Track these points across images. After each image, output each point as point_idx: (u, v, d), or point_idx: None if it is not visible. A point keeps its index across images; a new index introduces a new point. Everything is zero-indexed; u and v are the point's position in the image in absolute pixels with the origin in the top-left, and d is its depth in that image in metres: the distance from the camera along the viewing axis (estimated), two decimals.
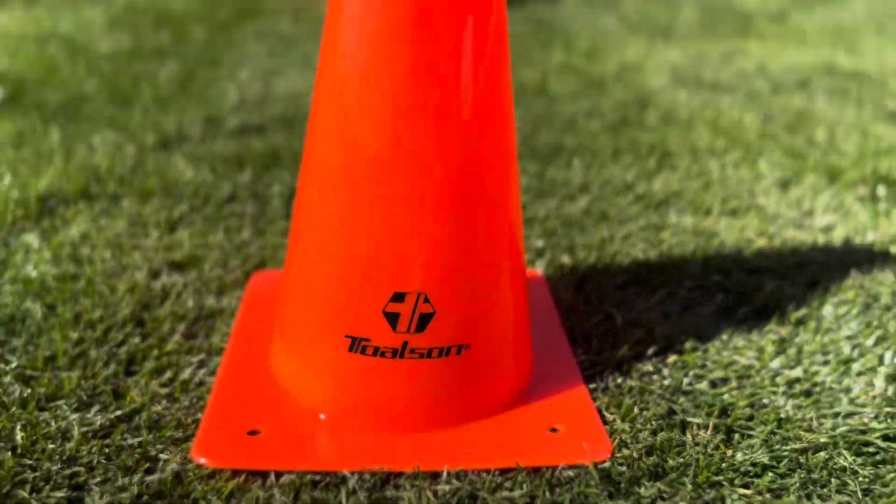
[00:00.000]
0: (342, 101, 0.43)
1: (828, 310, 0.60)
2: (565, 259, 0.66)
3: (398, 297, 0.44)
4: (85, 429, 0.47)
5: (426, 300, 0.45)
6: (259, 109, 1.02)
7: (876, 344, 0.57)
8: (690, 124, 0.97)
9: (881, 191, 0.81)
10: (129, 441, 0.46)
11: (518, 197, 0.50)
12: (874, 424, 0.49)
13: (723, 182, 0.81)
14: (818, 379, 0.53)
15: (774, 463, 0.46)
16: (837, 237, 0.70)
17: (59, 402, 0.49)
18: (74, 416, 0.48)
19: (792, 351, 0.55)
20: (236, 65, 1.22)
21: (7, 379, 0.51)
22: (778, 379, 0.53)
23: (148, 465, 0.44)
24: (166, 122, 0.97)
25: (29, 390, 0.50)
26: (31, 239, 0.68)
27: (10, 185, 0.78)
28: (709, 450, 0.46)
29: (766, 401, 0.51)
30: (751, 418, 0.49)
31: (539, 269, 0.65)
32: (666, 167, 0.84)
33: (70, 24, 1.49)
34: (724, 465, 0.45)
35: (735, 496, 0.43)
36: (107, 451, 0.45)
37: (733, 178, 0.81)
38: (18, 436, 0.46)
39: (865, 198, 0.80)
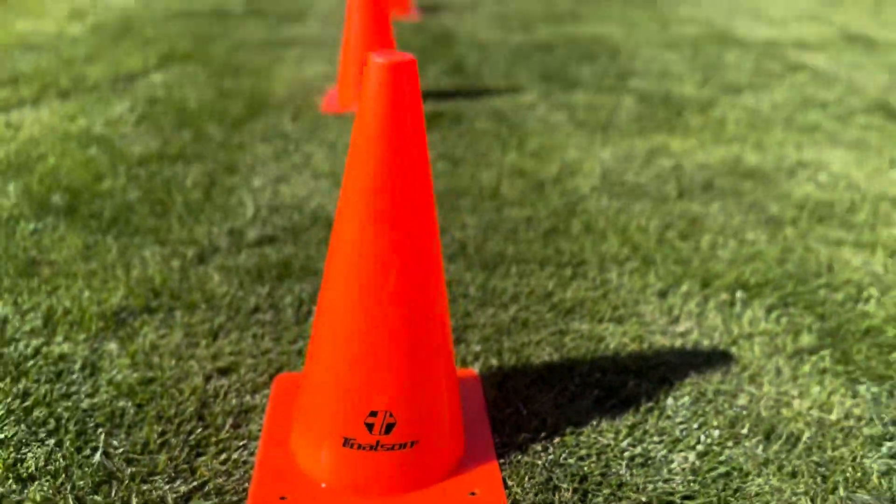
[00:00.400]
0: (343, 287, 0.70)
1: (669, 401, 0.87)
2: (494, 361, 0.93)
3: (373, 414, 0.71)
4: (174, 495, 0.74)
5: (391, 415, 0.71)
6: (271, 220, 1.29)
7: (698, 428, 0.84)
8: (605, 234, 1.25)
9: (739, 295, 1.09)
10: None
11: (449, 332, 0.77)
12: (679, 488, 0.76)
13: (617, 291, 1.08)
14: (652, 454, 0.80)
15: None
16: (691, 341, 0.98)
17: (156, 478, 0.76)
18: (167, 486, 0.75)
19: (639, 433, 0.83)
20: (250, 170, 1.49)
21: (117, 461, 0.78)
22: (625, 454, 0.80)
23: None
24: (199, 233, 1.23)
25: (134, 469, 0.77)
26: (112, 347, 0.95)
27: (88, 300, 1.05)
28: None
29: (613, 470, 0.78)
30: (600, 483, 0.76)
31: (475, 368, 0.92)
32: (579, 276, 1.12)
33: (102, 122, 1.76)
34: None
35: None
36: None
37: (626, 287, 1.09)
38: (133, 501, 0.73)
39: (725, 303, 1.07)
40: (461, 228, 1.27)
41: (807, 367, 0.94)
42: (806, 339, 0.99)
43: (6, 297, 1.05)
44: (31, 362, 0.92)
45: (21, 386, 0.88)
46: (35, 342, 0.95)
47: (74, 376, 0.90)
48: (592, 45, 2.58)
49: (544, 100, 1.99)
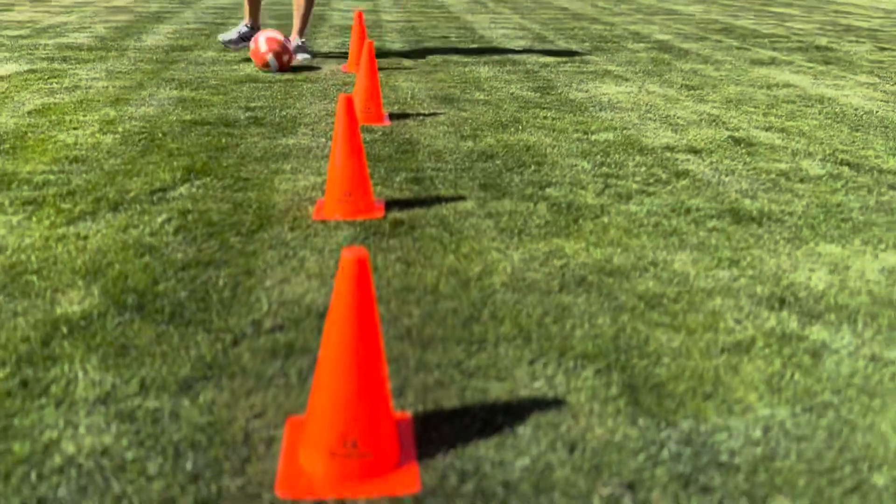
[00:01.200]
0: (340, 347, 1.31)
1: (521, 429, 1.47)
2: (420, 407, 1.53)
3: (347, 437, 1.31)
4: (236, 485, 1.32)
5: (356, 438, 1.31)
6: (279, 312, 1.90)
7: (535, 445, 1.44)
8: (503, 320, 1.87)
9: (580, 361, 1.71)
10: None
11: (388, 392, 1.37)
12: (517, 476, 1.36)
13: (503, 360, 1.70)
14: (505, 460, 1.40)
15: None
16: (542, 392, 1.59)
17: (223, 475, 1.34)
18: (231, 481, 1.33)
19: (500, 447, 1.42)
20: (262, 273, 2.11)
21: (201, 466, 1.36)
22: (489, 459, 1.40)
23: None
24: (231, 323, 1.84)
25: (211, 471, 1.35)
26: (186, 403, 1.54)
27: (166, 372, 1.64)
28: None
29: (481, 469, 1.37)
30: (473, 476, 1.36)
31: (410, 412, 1.52)
32: (481, 351, 1.73)
33: (148, 233, 2.37)
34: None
35: None
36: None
37: (510, 358, 1.70)
38: (213, 489, 1.31)
39: (570, 367, 1.69)
40: (408, 317, 1.89)
41: (610, 408, 1.55)
42: (613, 391, 1.60)
43: (113, 371, 1.64)
44: (138, 412, 1.51)
45: (134, 427, 1.47)
46: (137, 400, 1.55)
47: (166, 421, 1.49)
48: (524, 155, 3.26)
49: (480, 208, 2.63)
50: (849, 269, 2.26)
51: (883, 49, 7.20)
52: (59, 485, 1.32)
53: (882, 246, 2.45)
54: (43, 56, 5.51)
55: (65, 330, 1.81)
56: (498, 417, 1.51)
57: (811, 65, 6.04)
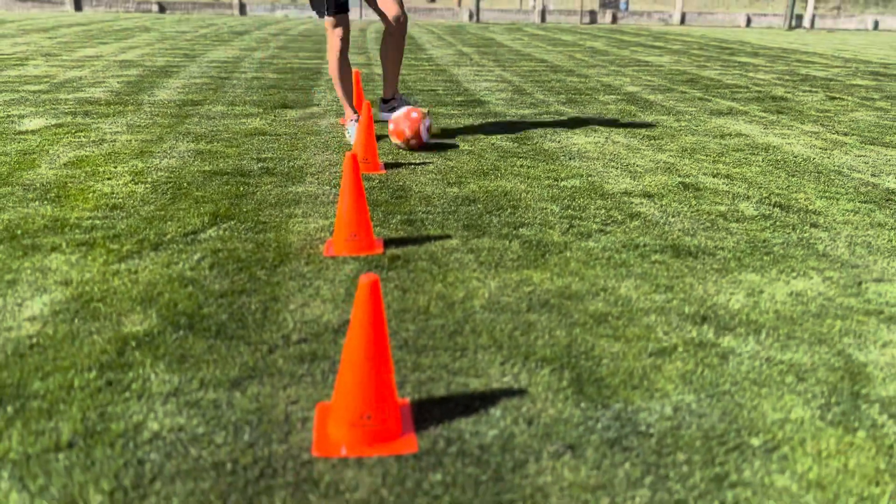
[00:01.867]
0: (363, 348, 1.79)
1: (492, 411, 1.96)
2: (416, 395, 2.02)
3: (364, 413, 1.79)
4: (282, 451, 1.79)
5: (371, 413, 1.79)
6: (303, 329, 2.38)
7: (502, 423, 1.92)
8: (482, 334, 2.36)
9: (540, 363, 2.20)
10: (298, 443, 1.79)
11: (393, 382, 1.86)
12: (487, 440, 1.84)
13: (482, 363, 2.19)
14: (480, 431, 1.88)
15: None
16: (508, 384, 2.08)
17: (273, 444, 1.81)
18: (278, 447, 1.80)
19: (476, 425, 1.91)
20: (286, 299, 2.60)
21: (254, 437, 1.83)
22: (469, 432, 1.88)
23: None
24: (266, 337, 2.32)
25: (263, 440, 1.82)
26: (238, 396, 2.01)
27: (220, 374, 2.11)
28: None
29: (464, 437, 1.85)
30: (457, 441, 1.83)
31: (408, 399, 2.00)
32: (463, 356, 2.22)
33: (188, 268, 2.86)
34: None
35: None
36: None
37: (486, 361, 2.20)
38: (265, 452, 1.78)
39: (533, 368, 2.18)
40: (406, 332, 2.38)
41: (560, 396, 2.04)
42: (564, 383, 2.10)
43: (177, 373, 2.12)
44: (202, 402, 1.98)
45: (201, 412, 1.94)
46: (200, 394, 2.02)
47: (224, 407, 1.96)
48: (502, 199, 3.79)
49: (463, 245, 3.15)
50: (762, 293, 2.78)
51: (833, 98, 7.88)
52: (151, 451, 1.79)
53: (794, 274, 2.98)
54: (66, 111, 6.03)
55: (133, 344, 2.29)
56: (475, 402, 2.00)
57: (764, 114, 6.67)
